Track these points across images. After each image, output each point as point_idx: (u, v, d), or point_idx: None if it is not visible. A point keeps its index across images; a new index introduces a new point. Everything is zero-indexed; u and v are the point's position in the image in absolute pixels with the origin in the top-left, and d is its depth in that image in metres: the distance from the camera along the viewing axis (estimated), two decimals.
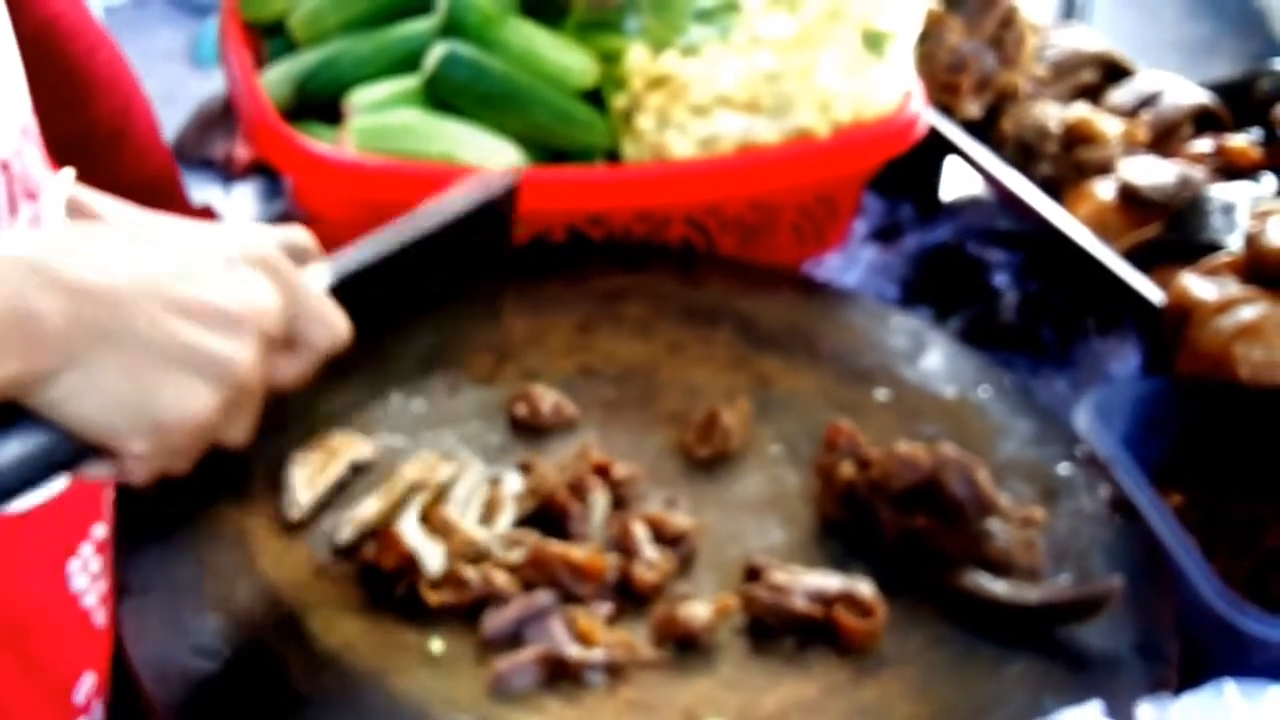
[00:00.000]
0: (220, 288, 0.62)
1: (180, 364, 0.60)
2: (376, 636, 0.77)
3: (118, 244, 0.60)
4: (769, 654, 0.78)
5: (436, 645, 0.77)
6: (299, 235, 0.71)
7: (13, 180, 0.67)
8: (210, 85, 1.45)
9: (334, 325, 0.67)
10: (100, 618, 0.75)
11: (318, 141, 1.07)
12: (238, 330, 0.61)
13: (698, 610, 0.78)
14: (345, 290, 0.70)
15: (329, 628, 0.77)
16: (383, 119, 1.08)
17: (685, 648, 0.78)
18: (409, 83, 1.11)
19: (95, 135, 1.14)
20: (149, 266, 0.60)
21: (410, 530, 0.80)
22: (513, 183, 0.82)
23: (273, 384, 0.66)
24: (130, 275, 0.59)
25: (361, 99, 1.10)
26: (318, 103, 1.14)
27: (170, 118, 1.42)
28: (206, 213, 1.28)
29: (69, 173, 0.82)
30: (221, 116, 1.46)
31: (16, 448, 0.58)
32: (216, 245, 0.63)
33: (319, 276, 0.70)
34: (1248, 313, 0.94)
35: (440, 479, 0.85)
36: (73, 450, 0.59)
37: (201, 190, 1.36)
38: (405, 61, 1.12)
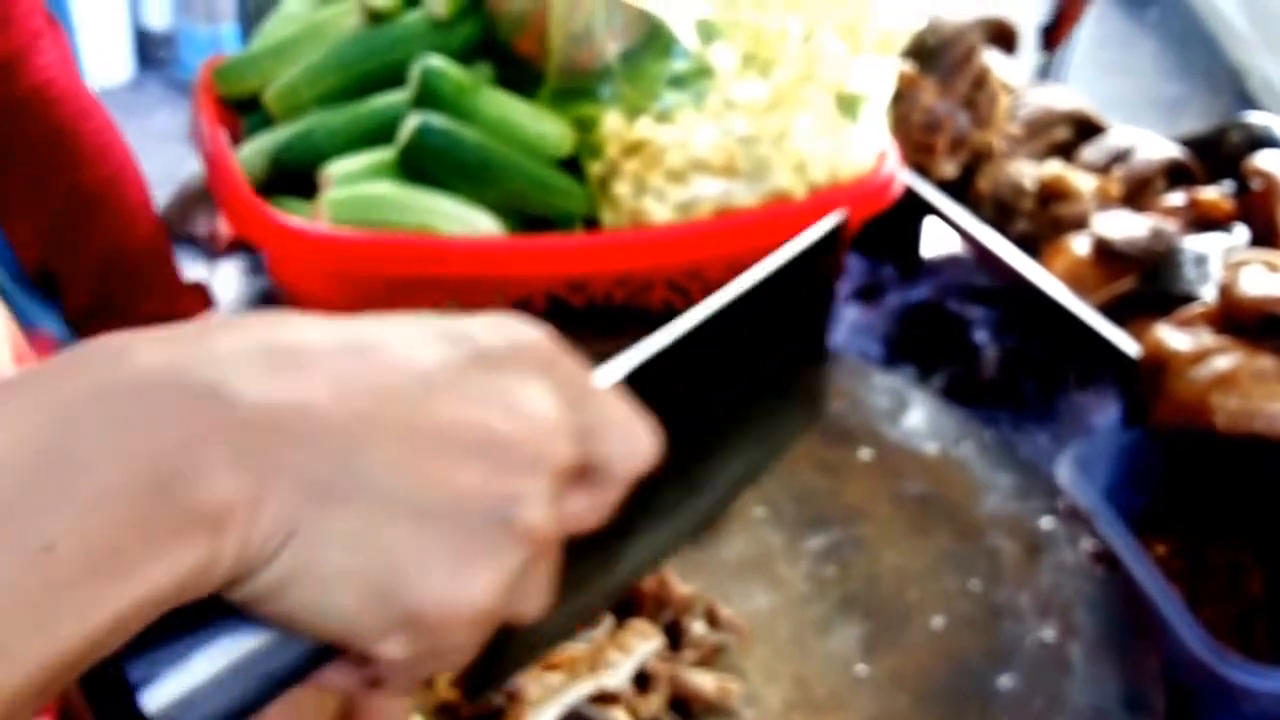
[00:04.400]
0: (484, 400, 0.41)
1: (442, 525, 0.40)
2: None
3: (324, 341, 0.40)
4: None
5: None
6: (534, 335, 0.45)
7: None
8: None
9: (638, 437, 0.46)
10: None
11: (292, 215, 1.07)
12: (519, 464, 0.41)
13: (704, 682, 0.77)
14: (647, 383, 0.50)
15: None
16: (358, 191, 1.09)
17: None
18: (384, 154, 1.11)
19: (82, 201, 1.14)
20: (377, 375, 0.40)
21: None
22: (834, 227, 0.64)
23: (565, 530, 0.44)
24: (352, 392, 0.39)
25: (336, 171, 1.10)
26: (293, 177, 1.15)
27: (163, 193, 1.43)
28: (198, 289, 1.28)
29: None
30: (204, 194, 1.47)
31: (220, 658, 0.39)
32: (465, 336, 0.42)
33: (609, 371, 0.50)
34: (1222, 363, 0.95)
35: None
36: (304, 654, 0.40)
37: (187, 267, 1.36)
38: (379, 133, 1.13)
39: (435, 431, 0.40)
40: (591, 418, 0.44)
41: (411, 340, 0.41)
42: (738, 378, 0.59)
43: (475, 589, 0.40)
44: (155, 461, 0.36)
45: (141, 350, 0.37)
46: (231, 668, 0.39)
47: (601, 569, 0.53)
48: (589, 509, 0.45)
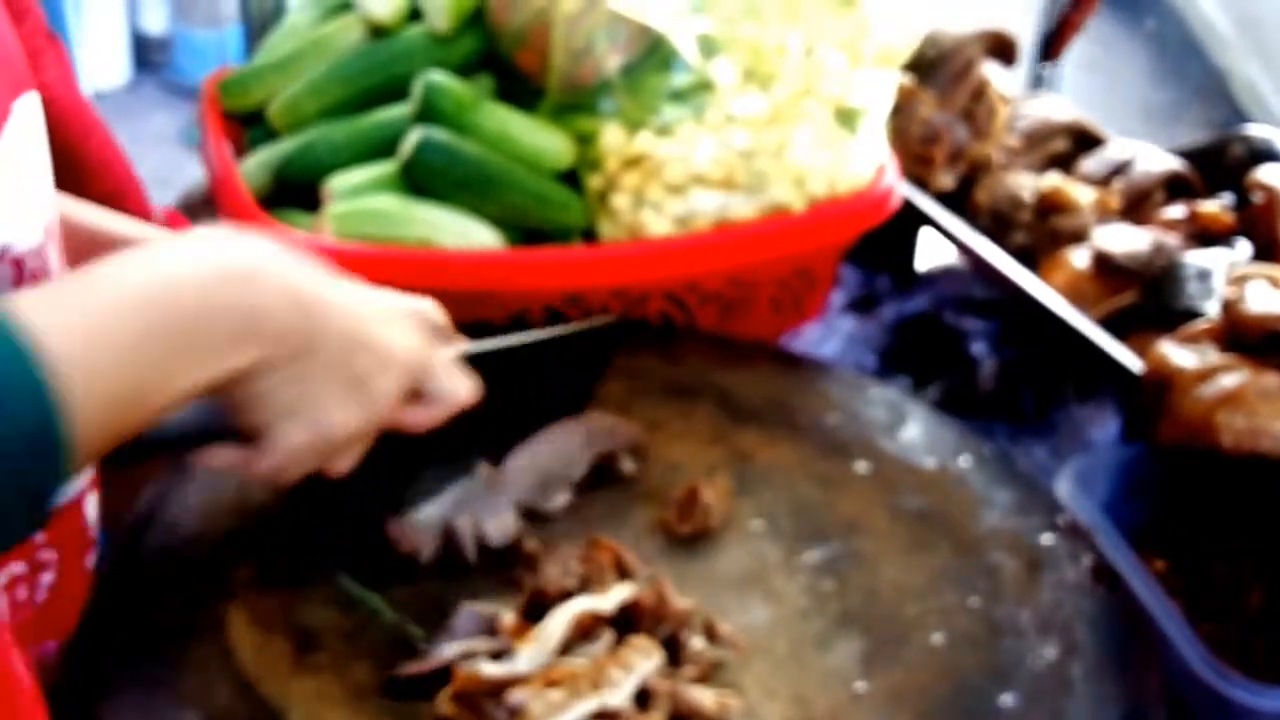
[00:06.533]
0: (390, 332, 0.73)
1: (346, 384, 0.70)
2: None
3: (326, 272, 0.71)
4: None
5: None
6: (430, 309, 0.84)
7: (24, 278, 0.70)
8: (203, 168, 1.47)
9: (464, 384, 0.79)
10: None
11: (295, 228, 1.07)
12: (393, 372, 0.72)
13: (704, 697, 0.77)
14: (473, 364, 0.82)
15: None
16: (360, 204, 1.09)
17: None
18: (386, 168, 1.12)
19: None
20: (348, 297, 0.71)
21: None
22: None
23: (402, 427, 0.77)
24: (337, 299, 0.70)
25: (339, 185, 1.11)
26: (296, 190, 1.15)
27: (164, 200, 1.43)
28: None
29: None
30: (206, 202, 1.47)
31: (190, 417, 0.70)
32: (388, 299, 0.75)
33: (457, 346, 0.82)
34: (1228, 381, 0.95)
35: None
36: (230, 430, 0.71)
37: None
38: (382, 147, 1.13)
39: (366, 336, 0.71)
40: (438, 366, 0.78)
41: (364, 290, 0.74)
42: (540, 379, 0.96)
43: (347, 422, 0.71)
44: (248, 303, 0.65)
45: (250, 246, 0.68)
46: (194, 422, 0.71)
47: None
48: (422, 417, 0.78)
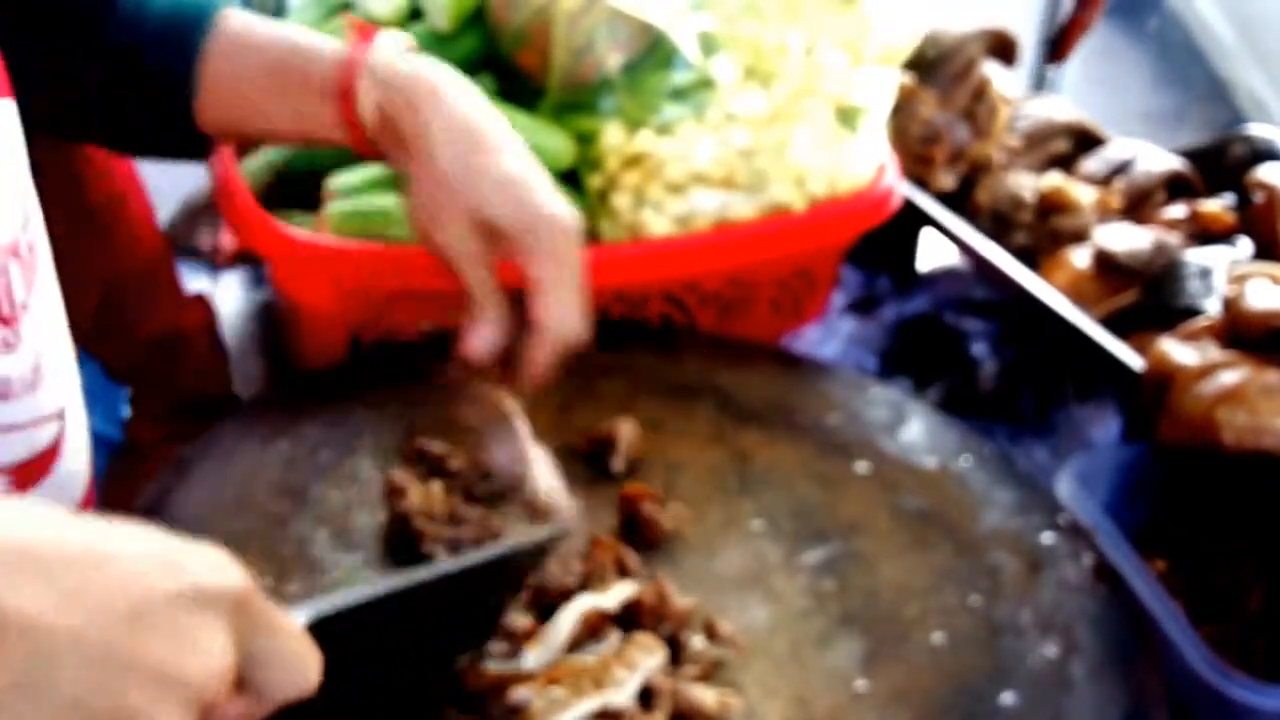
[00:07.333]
0: (170, 639, 0.49)
1: None
2: None
3: (62, 562, 0.48)
4: None
5: None
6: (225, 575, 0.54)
7: None
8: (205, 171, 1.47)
9: (298, 674, 0.55)
10: None
11: (295, 228, 1.07)
12: (177, 698, 0.49)
13: (705, 696, 0.77)
14: (328, 629, 0.59)
15: None
16: (360, 204, 1.09)
17: None
18: (386, 168, 1.11)
19: (87, 222, 1.14)
20: (94, 602, 0.48)
21: None
22: (546, 542, 0.81)
23: None
24: (69, 611, 0.47)
25: (339, 185, 1.10)
26: (297, 190, 1.14)
27: (166, 205, 1.43)
28: (199, 301, 1.28)
29: None
30: (208, 207, 1.47)
31: None
32: (175, 577, 0.50)
33: (299, 613, 0.59)
34: (1229, 378, 0.95)
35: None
36: None
37: (190, 279, 1.36)
38: None
39: (128, 657, 0.47)
40: (261, 655, 0.53)
41: (137, 562, 0.49)
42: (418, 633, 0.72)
43: None
44: None
45: None
46: None
47: None
48: (240, 713, 0.54)
